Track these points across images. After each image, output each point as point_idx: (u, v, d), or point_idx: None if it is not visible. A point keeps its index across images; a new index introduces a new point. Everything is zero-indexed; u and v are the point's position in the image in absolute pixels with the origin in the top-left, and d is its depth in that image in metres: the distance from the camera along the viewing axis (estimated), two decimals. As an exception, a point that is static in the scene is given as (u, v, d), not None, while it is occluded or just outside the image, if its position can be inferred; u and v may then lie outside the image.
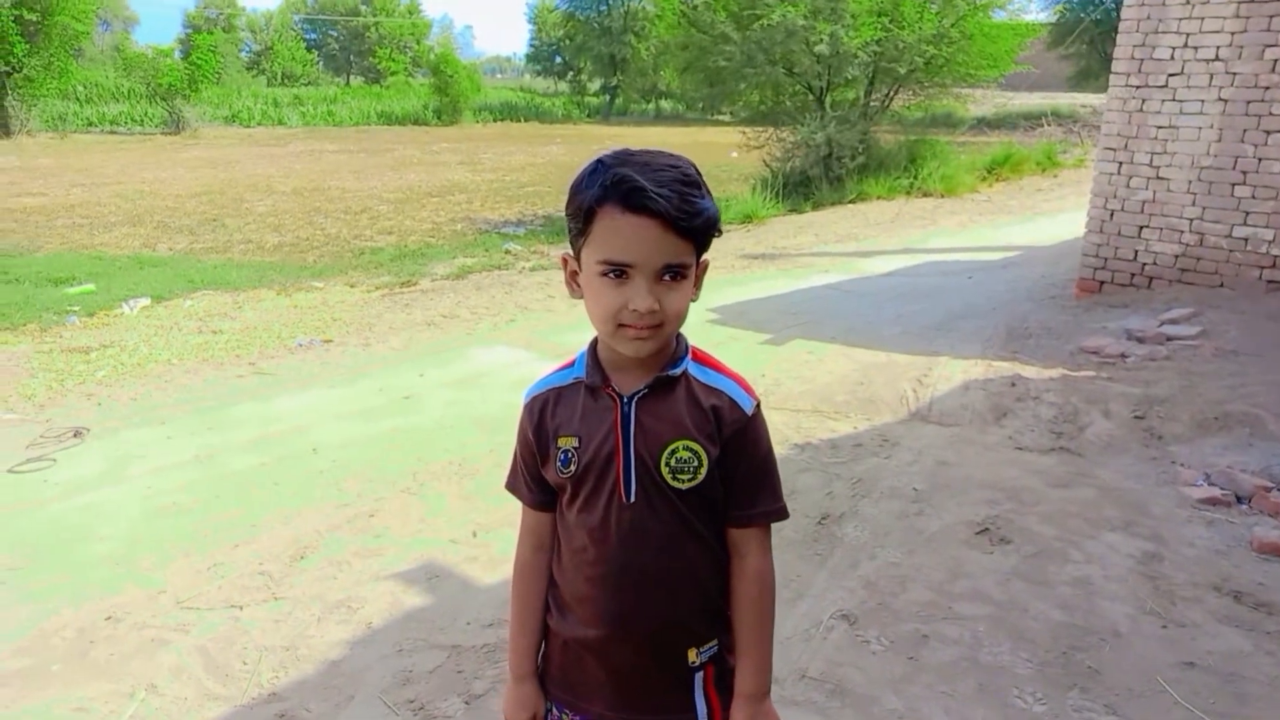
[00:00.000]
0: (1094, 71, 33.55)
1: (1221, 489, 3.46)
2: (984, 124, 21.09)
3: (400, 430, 4.52)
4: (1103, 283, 6.71)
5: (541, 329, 6.43)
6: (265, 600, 2.94)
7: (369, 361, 5.72)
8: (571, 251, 1.21)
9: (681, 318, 1.17)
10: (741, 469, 1.24)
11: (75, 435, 4.45)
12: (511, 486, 1.38)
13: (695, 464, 1.21)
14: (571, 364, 1.31)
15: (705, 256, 1.19)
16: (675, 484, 1.21)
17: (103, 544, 3.38)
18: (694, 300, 1.19)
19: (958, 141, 16.53)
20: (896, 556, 2.90)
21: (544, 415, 1.29)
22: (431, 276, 8.41)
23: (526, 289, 7.79)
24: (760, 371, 5.26)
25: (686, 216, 1.09)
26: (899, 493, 3.39)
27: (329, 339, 6.19)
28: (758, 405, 1.26)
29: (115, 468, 4.09)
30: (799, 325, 6.47)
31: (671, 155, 1.15)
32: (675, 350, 1.24)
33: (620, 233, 1.10)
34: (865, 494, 3.43)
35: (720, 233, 1.16)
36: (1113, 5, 30.07)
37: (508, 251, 9.59)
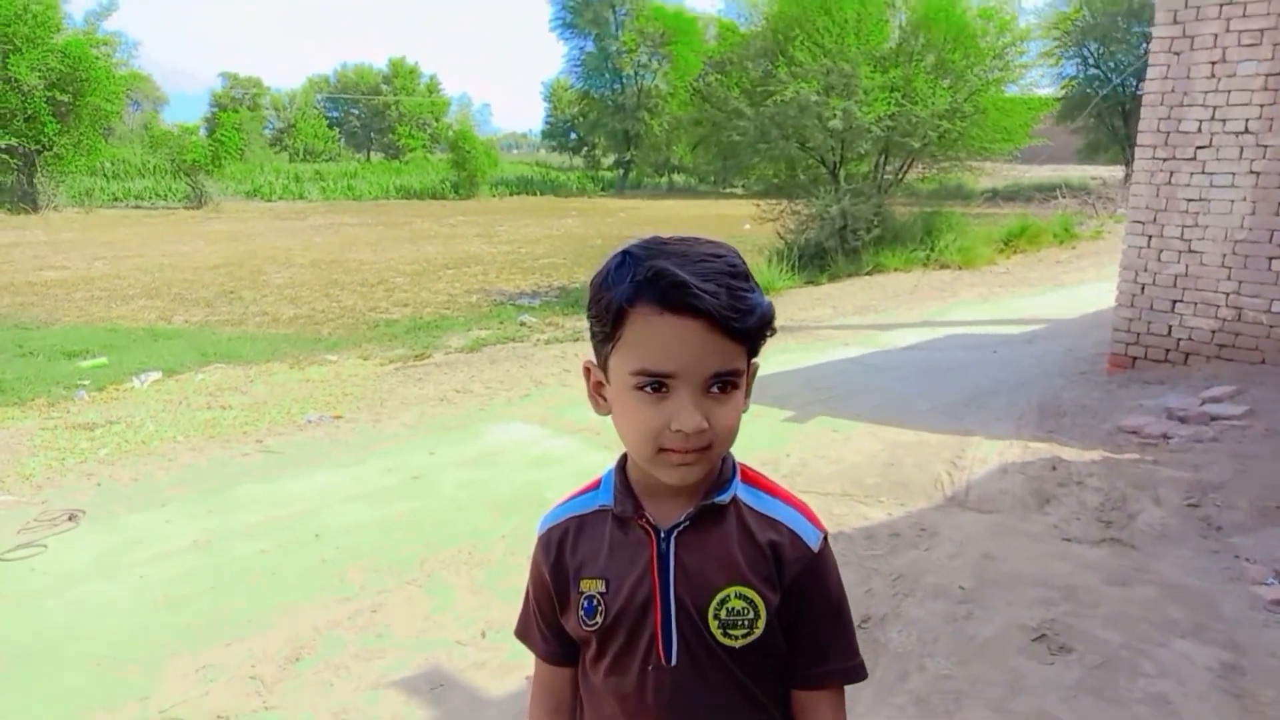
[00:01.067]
0: (1103, 145, 33.95)
1: (1295, 587, 3.18)
2: (997, 196, 21.17)
3: (408, 514, 4.30)
4: (1135, 358, 6.48)
5: (558, 404, 6.25)
6: (255, 711, 2.70)
7: (379, 439, 5.53)
8: (595, 360, 1.01)
9: (733, 435, 0.98)
10: (809, 619, 1.03)
11: (70, 519, 4.26)
12: (523, 634, 1.16)
13: (751, 616, 0.99)
14: (595, 486, 1.10)
15: (755, 360, 1.00)
16: (727, 641, 0.99)
17: (89, 643, 3.15)
18: (744, 411, 0.99)
19: (972, 213, 16.50)
20: (948, 668, 2.64)
21: (562, 551, 1.07)
22: (445, 349, 8.29)
23: (542, 362, 7.64)
24: (785, 451, 5.04)
25: (738, 315, 0.92)
26: (944, 591, 3.13)
27: (339, 415, 6.02)
28: (825, 539, 1.05)
29: (109, 555, 3.88)
30: (821, 401, 6.25)
31: (712, 242, 0.97)
32: (721, 472, 1.04)
33: (659, 337, 0.92)
34: (908, 592, 3.17)
35: (774, 331, 0.97)
36: (1119, 82, 30.54)
37: (523, 323, 9.49)
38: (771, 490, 1.07)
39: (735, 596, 0.99)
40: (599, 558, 1.04)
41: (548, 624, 1.10)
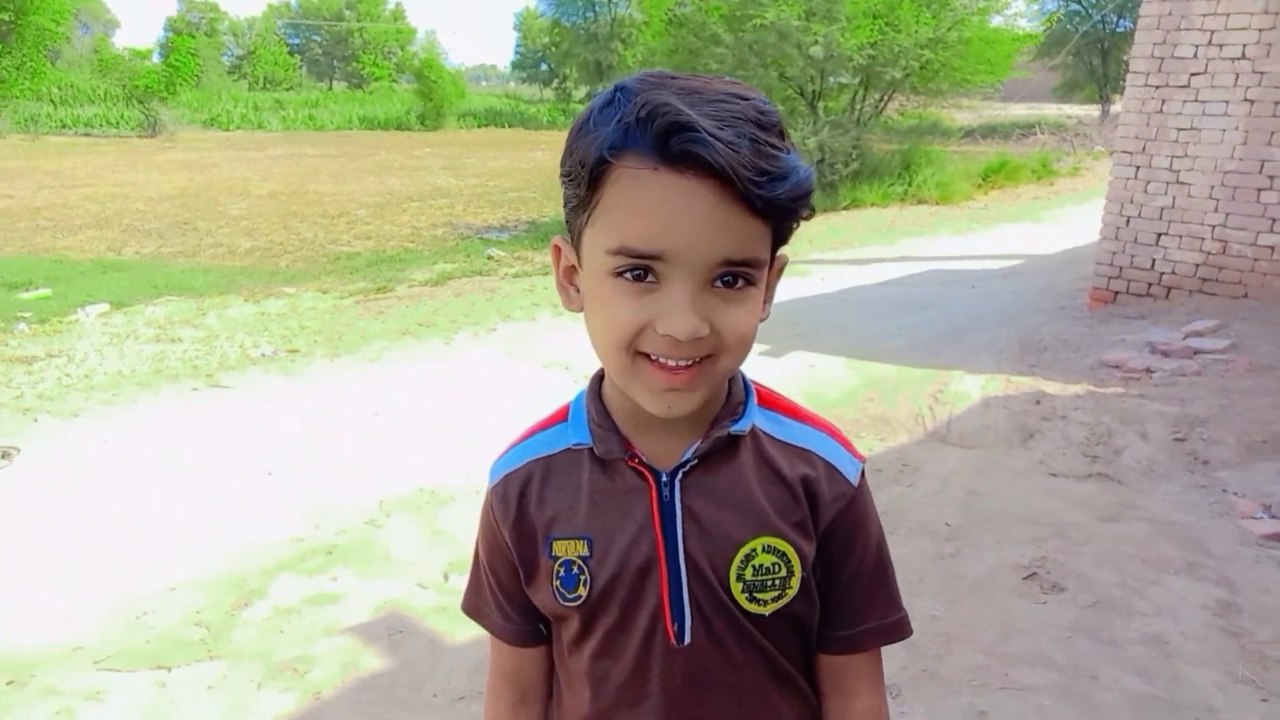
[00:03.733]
0: (1080, 83, 33.67)
1: (1287, 523, 3.08)
2: (975, 133, 20.87)
3: (367, 450, 4.09)
4: (1117, 293, 6.36)
5: (525, 336, 6.01)
6: (198, 660, 2.51)
7: (336, 373, 5.28)
8: (568, 235, 0.76)
9: (746, 347, 0.73)
10: (847, 569, 0.82)
11: (3, 456, 3.99)
12: (473, 610, 0.91)
13: (783, 574, 0.78)
14: (562, 418, 0.85)
15: (783, 251, 0.75)
16: (754, 608, 0.78)
17: (18, 583, 2.93)
18: (764, 319, 0.75)
19: (950, 150, 16.24)
20: (937, 608, 2.51)
21: (525, 504, 0.83)
22: (409, 283, 7.97)
23: (509, 295, 7.37)
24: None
25: (764, 179, 0.65)
26: (929, 528, 3.00)
27: (294, 349, 5.74)
28: (863, 470, 0.84)
29: (44, 494, 3.63)
30: (798, 336, 6.07)
31: (736, 83, 0.71)
32: (732, 394, 0.80)
33: (649, 201, 0.66)
34: (892, 529, 3.03)
35: (812, 212, 0.72)
36: (1100, 19, 30.11)
37: (490, 257, 9.17)
38: (795, 413, 0.84)
39: (763, 550, 0.77)
40: (577, 511, 0.80)
41: (508, 597, 0.87)
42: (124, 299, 7.17)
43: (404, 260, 9.06)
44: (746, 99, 0.68)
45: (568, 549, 0.80)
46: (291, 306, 7.00)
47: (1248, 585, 2.68)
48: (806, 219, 0.72)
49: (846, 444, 0.84)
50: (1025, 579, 2.67)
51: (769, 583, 0.78)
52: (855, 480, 0.82)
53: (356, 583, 2.92)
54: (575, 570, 0.79)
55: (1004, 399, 4.48)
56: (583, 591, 0.79)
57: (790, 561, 0.78)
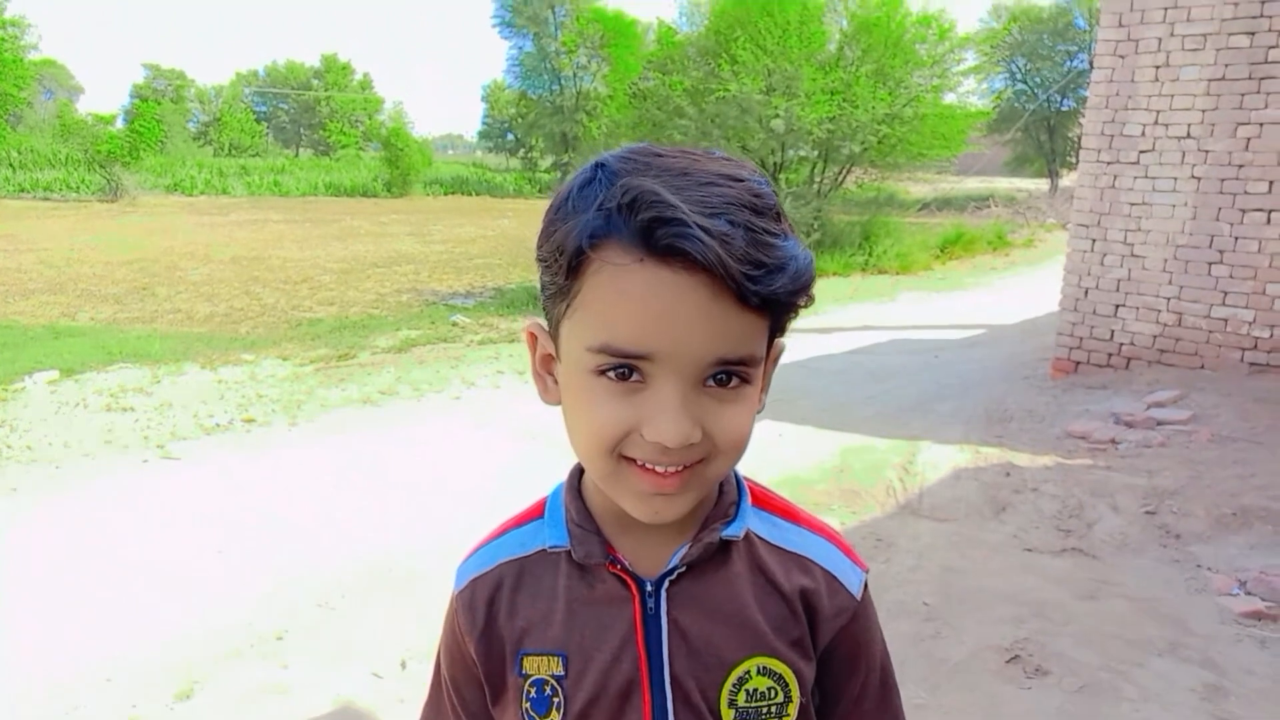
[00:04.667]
0: (1029, 158, 35.01)
1: (1263, 599, 3.06)
2: (930, 206, 21.51)
3: (320, 527, 3.92)
4: (1078, 363, 6.45)
5: (491, 404, 5.90)
6: (131, 761, 2.32)
7: (293, 444, 5.11)
8: (545, 322, 0.70)
9: (740, 451, 0.67)
10: (849, 694, 0.76)
11: (-69, 535, 3.76)
12: None
13: (780, 700, 0.70)
14: (538, 515, 0.78)
15: (779, 340, 0.69)
16: None
17: (-65, 681, 2.71)
18: (759, 413, 0.69)
19: (908, 220, 16.68)
20: (921, 695, 2.41)
21: (494, 613, 0.75)
22: (372, 349, 7.84)
23: (474, 363, 7.27)
24: (731, 457, 4.80)
25: (761, 272, 0.60)
26: (907, 608, 2.92)
27: (250, 419, 5.56)
28: (866, 581, 0.77)
29: (-27, 577, 3.41)
30: (765, 403, 6.05)
31: (728, 160, 0.65)
32: (723, 494, 0.74)
33: (633, 298, 0.60)
34: (869, 609, 2.95)
35: (811, 300, 0.65)
36: (1046, 98, 31.48)
37: (455, 323, 9.09)
38: (793, 515, 0.77)
39: (758, 672, 0.70)
40: (551, 622, 0.72)
41: (471, 716, 0.78)
42: (75, 366, 6.95)
43: (367, 326, 8.94)
44: (740, 180, 0.63)
45: (540, 666, 0.72)
46: (250, 374, 6.83)
47: (1232, 667, 2.63)
48: (806, 307, 0.66)
49: (848, 551, 0.77)
50: (1008, 662, 2.59)
51: (764, 710, 0.70)
52: (858, 593, 0.75)
53: (308, 672, 2.75)
54: (548, 691, 0.71)
55: (974, 470, 4.46)
56: (555, 717, 0.71)
57: (788, 685, 0.71)
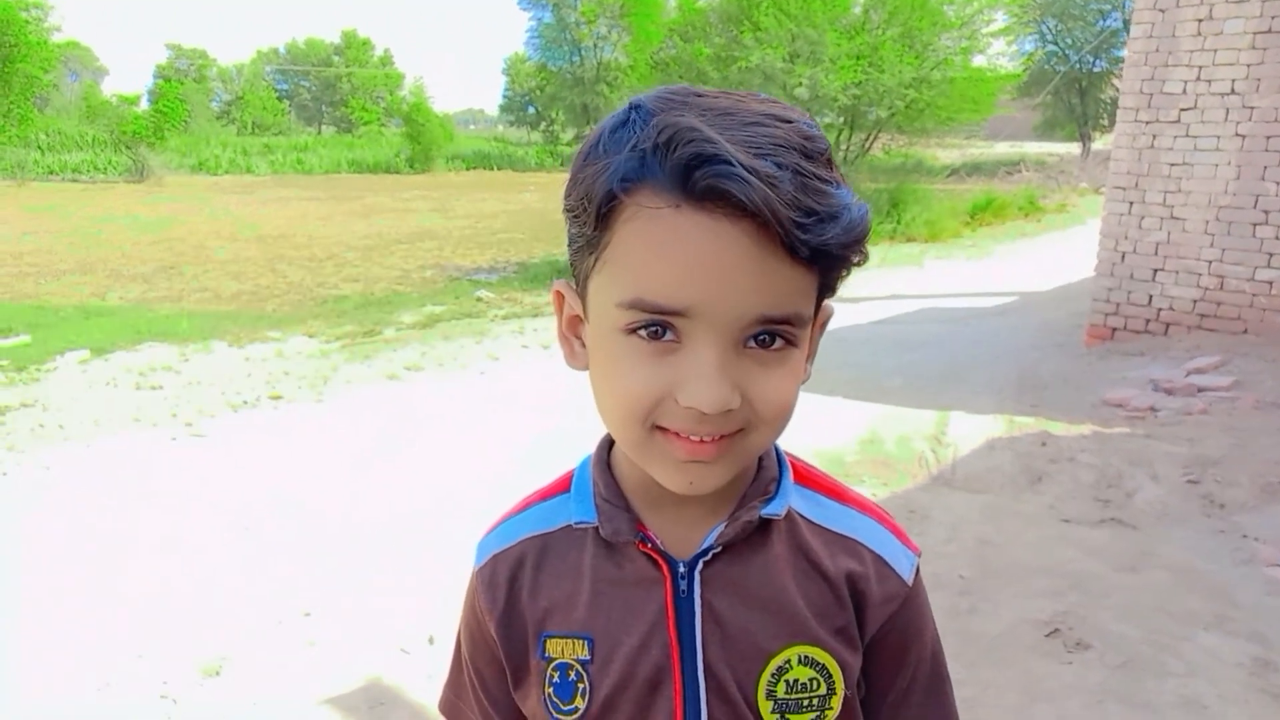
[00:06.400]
0: (1059, 121, 34.20)
1: (1313, 570, 2.96)
2: (959, 172, 21.11)
3: (347, 503, 3.92)
4: (1115, 329, 6.29)
5: (516, 380, 5.87)
6: (162, 737, 2.32)
7: (319, 420, 5.12)
8: (573, 281, 0.64)
9: (784, 421, 0.61)
10: (898, 686, 0.70)
11: (-33, 514, 3.80)
12: (451, 711, 0.79)
13: (823, 691, 0.65)
14: (564, 489, 0.72)
15: (828, 302, 0.63)
16: None
17: (-29, 657, 2.74)
18: (804, 381, 0.62)
19: (936, 187, 16.36)
20: (957, 671, 2.34)
21: (516, 592, 0.70)
22: (397, 325, 7.85)
23: (499, 338, 7.25)
24: (759, 429, 4.74)
25: (810, 220, 0.54)
26: (942, 581, 2.85)
27: (277, 395, 5.58)
28: (918, 565, 0.71)
29: (5, 553, 3.44)
30: (794, 377, 5.97)
31: (775, 101, 0.59)
32: (763, 468, 0.68)
33: (670, 247, 0.54)
34: (902, 583, 2.88)
35: (865, 257, 0.59)
36: (1078, 60, 30.68)
37: (479, 299, 9.07)
38: (839, 494, 0.71)
39: (799, 662, 0.64)
40: (576, 604, 0.67)
41: (492, 701, 0.73)
42: (105, 345, 7.01)
43: (392, 303, 8.95)
44: (789, 120, 0.56)
45: (564, 650, 0.67)
46: (277, 351, 6.85)
47: (1280, 639, 2.54)
48: (859, 265, 0.59)
49: (899, 533, 0.71)
50: (1047, 636, 2.52)
51: (805, 702, 0.65)
52: (910, 578, 0.69)
53: (336, 648, 2.75)
54: (572, 677, 0.67)
55: (1008, 440, 4.36)
56: (580, 704, 0.66)
57: (831, 676, 0.65)
